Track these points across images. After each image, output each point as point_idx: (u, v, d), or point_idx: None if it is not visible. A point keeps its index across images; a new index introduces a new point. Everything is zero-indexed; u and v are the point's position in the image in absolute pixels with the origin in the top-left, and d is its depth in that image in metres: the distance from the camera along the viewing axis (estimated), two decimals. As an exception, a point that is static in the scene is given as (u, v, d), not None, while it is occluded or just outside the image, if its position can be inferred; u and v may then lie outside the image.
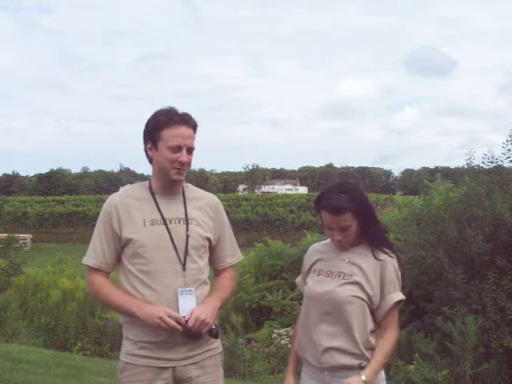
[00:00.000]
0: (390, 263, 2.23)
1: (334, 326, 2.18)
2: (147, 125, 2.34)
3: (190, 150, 2.31)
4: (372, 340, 2.21)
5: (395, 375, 5.13)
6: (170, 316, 2.15)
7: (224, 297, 2.38)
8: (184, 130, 2.28)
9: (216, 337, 2.28)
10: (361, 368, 2.16)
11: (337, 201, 2.19)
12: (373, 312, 2.22)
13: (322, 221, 2.27)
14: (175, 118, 2.28)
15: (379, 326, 2.24)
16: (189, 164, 2.31)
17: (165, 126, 2.27)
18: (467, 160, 6.25)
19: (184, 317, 2.19)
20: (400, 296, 2.23)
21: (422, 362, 5.20)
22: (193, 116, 2.34)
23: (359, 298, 2.18)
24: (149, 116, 2.36)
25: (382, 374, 2.26)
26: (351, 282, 2.20)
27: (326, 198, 2.22)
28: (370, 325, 2.21)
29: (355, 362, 2.17)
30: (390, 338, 2.21)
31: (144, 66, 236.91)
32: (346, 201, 2.18)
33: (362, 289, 2.19)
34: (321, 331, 2.20)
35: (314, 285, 2.28)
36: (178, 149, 2.27)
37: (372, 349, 2.20)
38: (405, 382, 5.12)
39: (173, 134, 2.26)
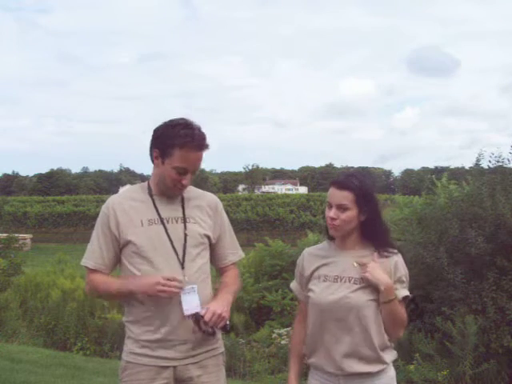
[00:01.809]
0: (400, 263, 2.23)
1: (349, 332, 2.16)
2: (160, 133, 2.29)
3: (195, 172, 2.30)
4: (387, 340, 2.21)
5: (395, 375, 5.13)
6: (166, 278, 2.16)
7: (233, 292, 2.39)
8: (194, 155, 2.25)
9: (228, 331, 2.29)
10: (377, 374, 2.17)
11: (344, 178, 2.23)
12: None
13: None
14: (194, 142, 2.22)
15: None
16: (189, 183, 2.31)
17: (179, 146, 2.22)
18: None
19: (199, 313, 2.18)
20: (405, 292, 2.22)
21: (422, 361, 5.20)
22: (205, 135, 2.27)
23: (374, 300, 2.17)
24: (161, 122, 2.31)
25: (393, 371, 2.26)
26: (364, 286, 2.17)
27: (337, 176, 2.28)
28: (383, 325, 2.21)
29: (373, 368, 2.16)
30: None
31: (144, 65, 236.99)
32: (353, 182, 2.21)
33: (376, 291, 2.17)
34: (335, 338, 2.17)
35: (322, 292, 2.23)
36: (184, 172, 2.26)
37: (387, 348, 2.20)
38: (405, 382, 5.11)
39: (184, 158, 2.23)
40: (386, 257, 2.22)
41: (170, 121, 2.30)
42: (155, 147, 2.29)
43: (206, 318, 2.16)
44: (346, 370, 2.16)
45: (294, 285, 2.43)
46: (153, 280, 2.16)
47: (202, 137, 2.26)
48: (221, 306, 2.21)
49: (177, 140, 2.22)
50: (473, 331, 4.98)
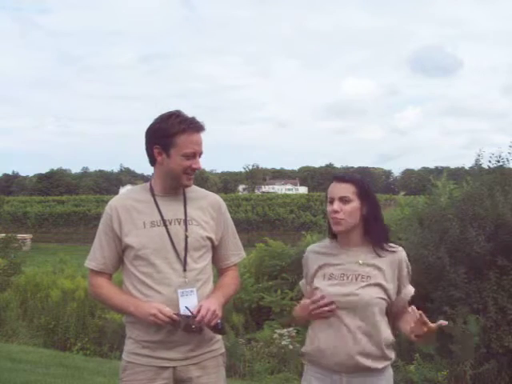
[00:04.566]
0: (403, 258, 2.27)
1: (355, 328, 2.15)
2: (156, 129, 2.29)
3: (200, 155, 2.32)
4: (391, 338, 2.23)
5: (395, 375, 5.12)
6: (161, 312, 2.15)
7: (227, 294, 2.38)
8: (198, 137, 2.28)
9: (222, 332, 2.28)
10: (381, 370, 2.19)
11: (346, 173, 2.31)
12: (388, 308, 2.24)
13: (326, 196, 2.28)
14: (191, 125, 2.26)
15: (400, 318, 2.27)
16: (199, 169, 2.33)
17: (180, 133, 2.24)
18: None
19: (191, 314, 2.18)
20: (412, 289, 2.29)
21: (423, 361, 5.20)
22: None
23: (382, 298, 2.18)
24: (154, 118, 2.32)
25: (390, 372, 2.27)
26: (371, 284, 2.18)
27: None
28: (387, 322, 2.23)
29: (378, 365, 2.17)
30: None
31: (144, 65, 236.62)
32: (353, 175, 2.27)
33: (383, 289, 2.19)
34: (340, 335, 2.17)
35: (328, 288, 2.22)
36: (193, 156, 2.27)
37: (390, 345, 2.22)
38: (405, 382, 5.11)
39: (189, 142, 2.24)
40: (393, 251, 2.25)
41: (160, 116, 2.32)
42: (155, 144, 2.29)
43: (202, 313, 2.15)
44: (350, 367, 2.16)
45: (302, 282, 2.44)
46: (149, 310, 2.16)
47: (196, 119, 2.30)
48: (213, 303, 2.21)
49: (176, 128, 2.24)
50: (475, 332, 4.98)
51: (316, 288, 2.27)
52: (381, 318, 2.18)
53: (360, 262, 2.22)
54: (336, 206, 2.21)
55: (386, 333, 2.20)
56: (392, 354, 2.23)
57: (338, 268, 2.24)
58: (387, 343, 2.19)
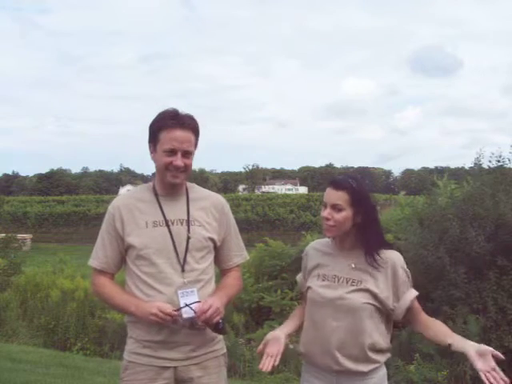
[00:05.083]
0: (399, 264, 2.21)
1: (343, 331, 2.16)
2: (149, 126, 2.33)
3: (187, 154, 2.27)
4: (383, 343, 2.20)
5: (395, 375, 5.13)
6: (161, 311, 2.15)
7: (229, 294, 2.38)
8: (179, 134, 2.23)
9: (223, 332, 2.27)
10: (368, 373, 2.16)
11: (341, 178, 2.22)
12: (388, 314, 2.21)
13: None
14: (170, 121, 2.24)
15: (415, 322, 2.24)
16: (186, 167, 2.28)
17: (161, 129, 2.24)
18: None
19: (193, 311, 2.18)
20: (414, 293, 2.22)
21: (423, 361, 5.20)
22: (194, 118, 2.29)
23: (371, 304, 2.16)
24: (152, 117, 2.34)
25: (384, 370, 2.26)
26: (361, 289, 2.17)
27: (335, 176, 2.28)
28: (382, 328, 2.21)
29: (364, 367, 2.16)
30: (438, 322, 2.26)
31: (144, 65, 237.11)
32: (349, 182, 2.19)
33: (373, 295, 2.16)
34: (328, 336, 2.17)
35: (319, 289, 2.23)
36: (173, 152, 2.24)
37: (380, 351, 2.19)
38: (405, 382, 5.11)
39: (168, 138, 2.23)
40: (386, 259, 2.20)
41: (157, 114, 2.33)
42: (149, 141, 2.32)
43: (204, 308, 2.15)
44: (335, 367, 2.17)
45: (299, 276, 2.45)
46: (149, 310, 2.16)
47: (182, 116, 2.27)
48: (217, 302, 2.20)
49: (160, 123, 2.25)
50: (475, 331, 4.97)
51: (308, 287, 2.28)
52: (369, 324, 2.16)
53: (352, 265, 2.21)
54: (327, 213, 2.19)
55: (373, 339, 2.16)
56: (381, 358, 2.20)
57: (331, 269, 2.24)
58: (372, 349, 2.16)
